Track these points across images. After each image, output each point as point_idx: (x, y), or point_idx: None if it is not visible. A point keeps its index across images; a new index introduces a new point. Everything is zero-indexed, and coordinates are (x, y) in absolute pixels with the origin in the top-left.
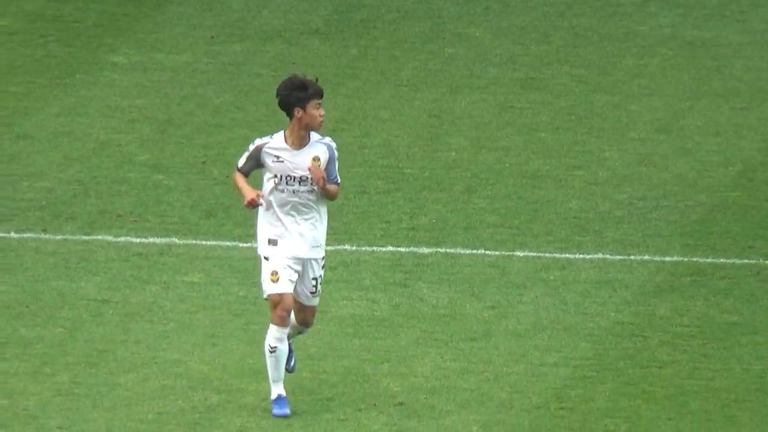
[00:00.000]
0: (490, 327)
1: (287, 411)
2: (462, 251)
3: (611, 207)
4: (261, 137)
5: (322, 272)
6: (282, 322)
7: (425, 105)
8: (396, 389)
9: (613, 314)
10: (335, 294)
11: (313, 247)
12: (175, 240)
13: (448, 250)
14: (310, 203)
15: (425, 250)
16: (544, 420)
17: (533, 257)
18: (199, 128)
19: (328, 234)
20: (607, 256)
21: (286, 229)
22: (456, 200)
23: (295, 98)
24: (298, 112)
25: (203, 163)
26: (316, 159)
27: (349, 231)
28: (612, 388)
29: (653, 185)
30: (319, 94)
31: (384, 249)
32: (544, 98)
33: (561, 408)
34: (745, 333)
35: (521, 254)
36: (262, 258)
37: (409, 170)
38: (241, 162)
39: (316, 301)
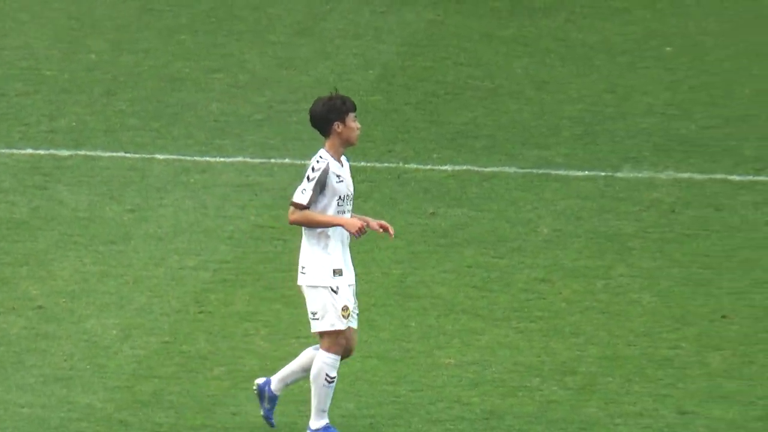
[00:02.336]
0: (129, 230)
1: None
2: (102, 154)
3: (251, 110)
4: (317, 159)
5: None
6: (340, 352)
7: (65, 7)
8: (35, 292)
9: (253, 217)
10: None
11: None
12: None
13: (87, 153)
14: None
15: (64, 153)
16: (184, 324)
17: (173, 160)
18: None
19: None
20: (248, 159)
21: (342, 255)
22: (95, 103)
23: (335, 113)
24: (338, 127)
25: None
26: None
27: None
28: (251, 291)
29: (293, 88)
30: (355, 107)
31: (23, 151)
32: (184, 0)
33: (200, 312)
34: (384, 236)
35: (161, 157)
36: (328, 289)
37: (48, 72)
38: (307, 195)
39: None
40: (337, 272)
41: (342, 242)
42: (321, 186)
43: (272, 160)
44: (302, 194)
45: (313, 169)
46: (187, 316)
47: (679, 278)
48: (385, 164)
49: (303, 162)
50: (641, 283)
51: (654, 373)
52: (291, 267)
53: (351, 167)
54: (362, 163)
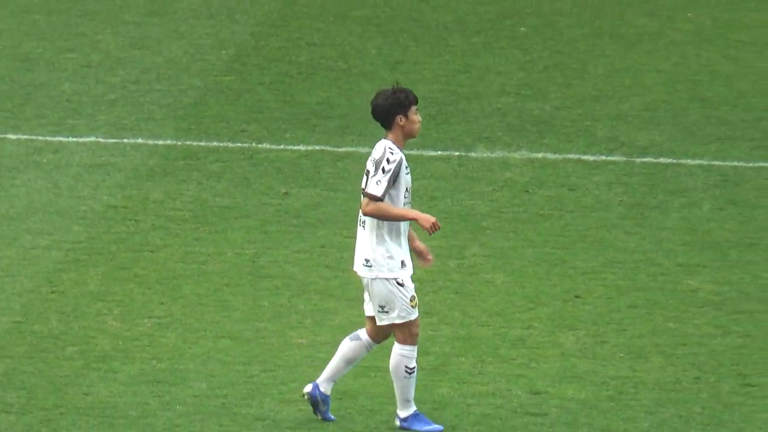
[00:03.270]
0: None
1: (434, 425)
2: None
3: (104, 90)
4: (390, 151)
5: None
6: (416, 342)
7: None
8: None
9: (105, 197)
10: None
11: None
12: None
13: None
14: None
15: None
16: (36, 303)
17: (25, 140)
18: None
19: None
20: (100, 139)
21: (406, 248)
22: None
23: (398, 107)
24: (401, 120)
25: None
26: None
27: None
28: (104, 271)
29: (146, 68)
30: (417, 100)
31: None
32: None
33: (53, 291)
34: (237, 217)
35: (14, 137)
36: (395, 282)
37: None
38: (382, 187)
39: None
40: (404, 264)
41: (404, 234)
42: (394, 178)
43: (125, 140)
44: (377, 186)
45: (388, 161)
46: (39, 295)
47: (532, 258)
48: (238, 144)
49: (155, 142)
50: (495, 263)
51: (507, 353)
52: (144, 247)
53: (203, 147)
54: (215, 143)
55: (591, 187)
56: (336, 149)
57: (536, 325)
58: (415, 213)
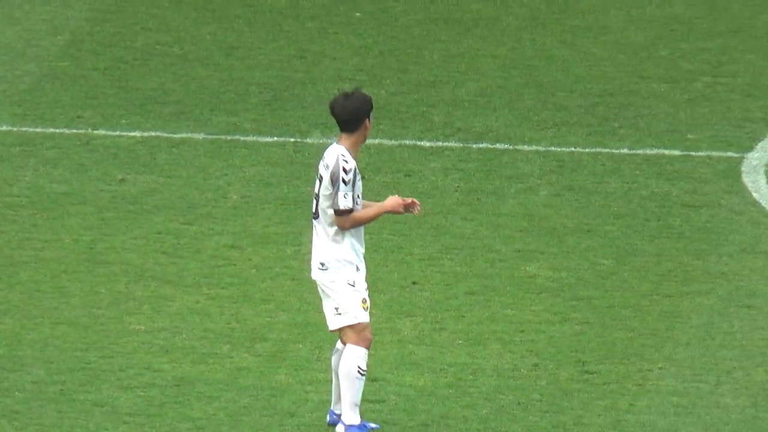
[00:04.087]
0: None
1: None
2: None
3: None
4: (344, 160)
5: None
6: (368, 345)
7: None
8: None
9: None
10: None
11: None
12: None
13: None
14: None
15: None
16: None
17: None
18: None
19: None
20: None
21: (359, 250)
22: None
23: (370, 108)
24: (367, 122)
25: None
26: None
27: None
28: None
29: None
30: None
31: None
32: None
33: None
34: (74, 203)
35: None
36: (346, 284)
37: None
38: (350, 198)
39: None
40: (359, 269)
41: (358, 237)
42: (353, 186)
43: None
44: (345, 199)
45: (345, 171)
46: None
47: (369, 245)
48: (74, 130)
49: None
50: None
51: None
52: None
53: (39, 134)
54: (51, 130)
55: (427, 173)
56: (172, 135)
57: (374, 311)
58: (381, 207)
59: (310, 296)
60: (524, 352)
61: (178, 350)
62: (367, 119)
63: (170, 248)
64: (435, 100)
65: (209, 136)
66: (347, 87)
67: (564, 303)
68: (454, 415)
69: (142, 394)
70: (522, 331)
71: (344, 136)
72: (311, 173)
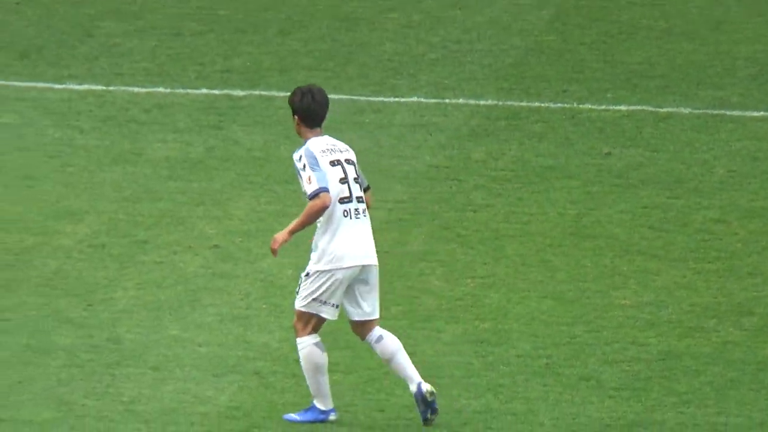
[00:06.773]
0: None
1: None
2: (276, 94)
3: (425, 50)
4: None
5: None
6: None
7: None
8: (211, 232)
9: (428, 157)
10: (150, 136)
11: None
12: None
13: (262, 93)
14: None
15: (239, 93)
16: None
17: (347, 100)
18: None
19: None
20: (422, 99)
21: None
22: (270, 42)
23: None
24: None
25: (17, 3)
26: None
27: (163, 73)
28: (427, 231)
29: (467, 28)
30: None
31: (198, 91)
32: None
33: (376, 252)
34: (559, 177)
35: (336, 97)
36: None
37: (222, 12)
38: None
39: None
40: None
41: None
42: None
43: (446, 101)
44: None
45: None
46: None
47: None
48: (560, 105)
49: (477, 102)
50: None
51: None
52: (466, 207)
53: (525, 107)
54: (536, 104)
55: None
56: (658, 109)
57: None
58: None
59: None
60: None
61: (663, 324)
62: None
63: (656, 222)
64: None
65: (695, 111)
66: None
67: None
68: None
69: (628, 368)
70: None
71: (320, 129)
72: None
